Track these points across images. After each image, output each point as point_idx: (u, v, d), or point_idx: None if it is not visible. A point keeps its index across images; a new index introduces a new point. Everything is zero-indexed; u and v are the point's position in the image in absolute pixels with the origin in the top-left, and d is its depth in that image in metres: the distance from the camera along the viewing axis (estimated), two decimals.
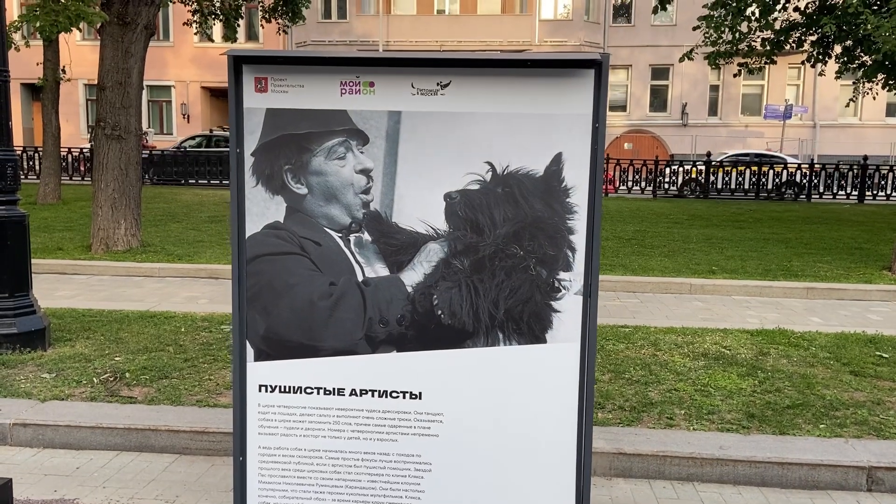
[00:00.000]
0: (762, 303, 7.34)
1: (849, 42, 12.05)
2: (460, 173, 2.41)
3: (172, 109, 29.45)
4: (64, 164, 18.34)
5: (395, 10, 28.42)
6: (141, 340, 5.23)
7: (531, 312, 2.43)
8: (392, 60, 2.38)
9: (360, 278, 2.46)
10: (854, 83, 13.97)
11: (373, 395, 2.52)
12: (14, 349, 4.87)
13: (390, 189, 2.43)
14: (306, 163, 2.43)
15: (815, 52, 12.98)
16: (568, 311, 2.43)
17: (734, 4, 11.69)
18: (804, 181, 19.25)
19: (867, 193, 19.03)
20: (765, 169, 19.33)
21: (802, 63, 13.83)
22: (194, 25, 13.75)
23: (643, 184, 19.79)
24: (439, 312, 2.44)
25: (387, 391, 2.51)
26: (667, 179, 19.80)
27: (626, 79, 28.83)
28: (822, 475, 3.51)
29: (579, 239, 2.41)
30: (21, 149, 19.61)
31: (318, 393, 2.53)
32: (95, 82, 8.97)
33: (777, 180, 19.29)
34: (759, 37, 12.82)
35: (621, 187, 19.84)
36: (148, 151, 20.28)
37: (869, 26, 9.14)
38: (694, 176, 19.47)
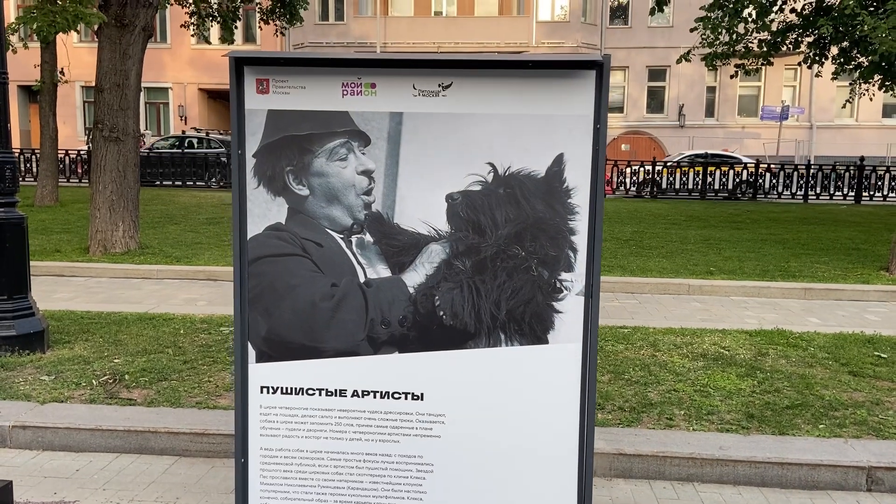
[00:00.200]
0: (760, 303, 7.35)
1: (845, 43, 12.10)
2: (462, 174, 2.41)
3: (170, 111, 29.42)
4: (61, 166, 18.31)
5: (393, 12, 28.44)
6: (140, 342, 5.22)
7: (533, 313, 2.44)
8: (394, 62, 2.38)
9: (361, 279, 2.46)
10: (850, 84, 14.03)
11: (375, 397, 2.52)
12: (13, 351, 4.86)
13: (392, 190, 2.44)
14: (308, 164, 2.43)
15: (811, 54, 13.02)
16: (569, 312, 2.43)
17: (731, 6, 11.73)
18: (757, 180, 19.50)
19: (864, 194, 19.09)
20: (725, 169, 19.52)
21: (799, 64, 13.86)
22: (191, 28, 13.75)
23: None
24: (441, 313, 2.44)
25: (389, 392, 2.52)
26: (627, 179, 19.92)
27: (623, 80, 28.88)
28: (822, 475, 3.52)
29: (581, 239, 2.42)
30: (18, 151, 19.56)
31: (320, 394, 2.53)
32: (93, 84, 8.96)
33: (737, 179, 19.48)
34: (755, 38, 12.86)
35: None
36: (77, 151, 20.24)
37: (865, 27, 9.16)
38: (651, 176, 19.60)
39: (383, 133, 2.41)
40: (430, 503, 2.55)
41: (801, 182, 19.22)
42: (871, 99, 15.02)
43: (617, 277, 7.94)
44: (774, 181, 19.52)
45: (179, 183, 19.75)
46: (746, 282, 7.87)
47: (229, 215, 12.92)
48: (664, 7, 13.09)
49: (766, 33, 12.57)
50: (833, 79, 13.79)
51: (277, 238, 2.48)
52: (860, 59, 12.51)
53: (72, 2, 7.53)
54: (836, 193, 19.36)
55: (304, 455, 2.57)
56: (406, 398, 2.52)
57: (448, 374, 2.49)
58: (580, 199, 2.40)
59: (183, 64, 28.50)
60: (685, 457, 3.58)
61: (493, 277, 2.43)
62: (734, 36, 12.23)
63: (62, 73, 14.52)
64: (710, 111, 28.99)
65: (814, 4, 12.14)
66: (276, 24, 14.28)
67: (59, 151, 16.13)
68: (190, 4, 13.29)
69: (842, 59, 12.79)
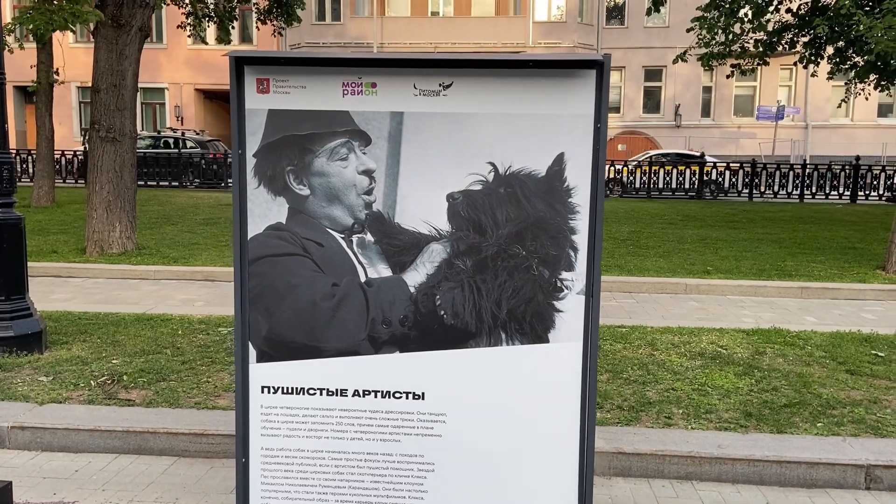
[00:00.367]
0: (757, 302, 7.37)
1: (841, 43, 12.14)
2: (463, 174, 2.41)
3: (166, 112, 29.37)
4: (57, 166, 18.26)
5: (390, 12, 28.42)
6: (138, 343, 5.22)
7: (534, 312, 2.44)
8: (394, 61, 2.38)
9: (362, 279, 2.47)
10: (846, 84, 14.06)
11: (376, 396, 2.52)
12: (10, 352, 4.85)
13: (393, 190, 2.44)
14: (308, 164, 2.43)
15: (807, 54, 13.06)
16: (570, 311, 2.44)
17: (727, 6, 11.76)
18: (720, 179, 19.61)
19: (859, 193, 19.14)
20: (681, 168, 19.68)
21: (794, 64, 13.91)
22: (188, 28, 13.72)
23: None
24: (442, 313, 2.45)
25: (390, 392, 2.52)
26: None
27: (620, 80, 28.91)
28: (821, 473, 3.53)
29: (581, 239, 2.42)
30: (15, 152, 19.51)
31: (321, 394, 2.53)
32: (88, 85, 8.94)
33: (702, 178, 19.58)
34: (751, 38, 12.89)
35: None
36: (73, 152, 20.15)
37: (861, 27, 9.19)
38: (613, 176, 19.68)
39: (384, 133, 2.42)
40: (431, 502, 2.56)
41: (797, 182, 19.30)
42: (866, 98, 15.06)
43: (614, 277, 7.95)
44: (734, 179, 19.61)
45: (153, 183, 19.56)
46: (743, 281, 7.89)
47: (226, 216, 12.96)
48: (660, 7, 13.12)
49: (762, 33, 12.60)
50: (829, 78, 13.83)
51: (278, 238, 2.48)
52: (856, 59, 12.55)
53: (69, 1, 7.52)
54: (832, 193, 19.42)
55: (305, 455, 2.57)
56: (407, 397, 2.52)
57: (449, 373, 2.49)
58: (581, 198, 2.41)
59: (179, 64, 28.44)
60: (684, 455, 3.59)
61: (493, 277, 2.43)
62: (730, 36, 12.26)
63: (56, 73, 14.48)
64: (706, 111, 29.05)
65: (809, 4, 12.18)
66: (273, 25, 14.27)
67: (56, 152, 16.08)
68: (186, 5, 13.26)
69: (837, 59, 12.84)
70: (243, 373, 2.55)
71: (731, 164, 19.88)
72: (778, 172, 19.58)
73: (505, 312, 2.44)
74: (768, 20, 12.51)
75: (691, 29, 12.60)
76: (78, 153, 20.05)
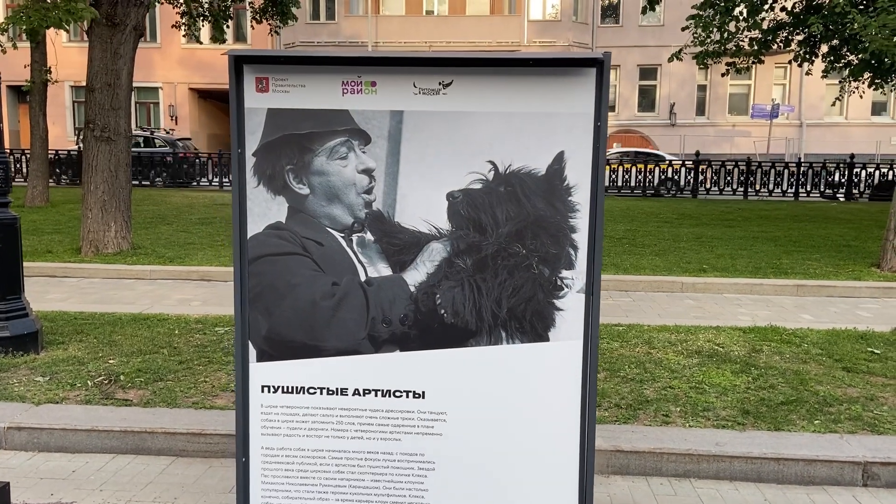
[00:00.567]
0: (753, 300, 7.39)
1: (835, 41, 12.17)
2: (462, 172, 2.41)
3: (160, 111, 29.28)
4: (56, 169, 18.17)
5: (384, 11, 28.40)
6: (134, 343, 5.20)
7: (534, 311, 2.44)
8: (394, 60, 2.38)
9: (362, 278, 2.46)
10: (840, 82, 14.11)
11: (376, 395, 2.52)
12: (6, 353, 4.83)
13: (392, 189, 2.44)
14: (308, 163, 2.43)
15: (801, 52, 13.10)
16: (570, 309, 2.44)
17: (722, 4, 11.78)
18: (676, 177, 19.70)
19: (853, 191, 19.21)
20: (640, 166, 19.74)
21: (789, 62, 13.95)
22: (182, 27, 13.66)
23: None
24: (442, 312, 2.44)
25: (390, 390, 2.52)
26: None
27: (615, 79, 28.95)
28: (818, 470, 3.54)
29: (581, 237, 2.42)
30: (8, 151, 19.40)
31: (321, 393, 2.53)
32: (82, 84, 8.91)
33: (662, 176, 19.70)
34: (746, 36, 12.92)
35: None
36: (67, 151, 20.10)
37: (856, 25, 9.22)
38: None
39: (384, 131, 2.41)
40: (432, 501, 2.56)
41: (792, 180, 19.36)
42: (861, 97, 15.12)
43: (611, 276, 7.96)
44: (690, 178, 19.69)
45: (135, 182, 19.51)
46: (739, 279, 7.92)
47: (222, 215, 12.92)
48: (655, 6, 13.13)
49: (756, 32, 12.63)
50: (823, 77, 13.88)
51: (278, 237, 2.48)
52: (850, 58, 12.60)
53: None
54: (827, 191, 19.47)
55: (306, 454, 2.56)
56: (407, 396, 2.52)
57: (449, 372, 2.49)
58: (581, 196, 2.41)
59: (173, 63, 28.35)
60: (682, 453, 3.60)
61: (494, 275, 2.43)
62: (725, 34, 12.29)
63: (50, 71, 14.41)
64: (700, 109, 29.12)
65: (804, 3, 12.21)
66: (269, 24, 14.22)
67: (49, 152, 16.01)
68: (181, 4, 13.21)
69: (832, 58, 12.88)
70: (243, 372, 2.55)
71: (686, 163, 19.94)
72: (773, 170, 19.66)
73: (505, 311, 2.44)
74: (763, 18, 12.54)
75: (686, 27, 12.62)
76: (72, 153, 19.96)
